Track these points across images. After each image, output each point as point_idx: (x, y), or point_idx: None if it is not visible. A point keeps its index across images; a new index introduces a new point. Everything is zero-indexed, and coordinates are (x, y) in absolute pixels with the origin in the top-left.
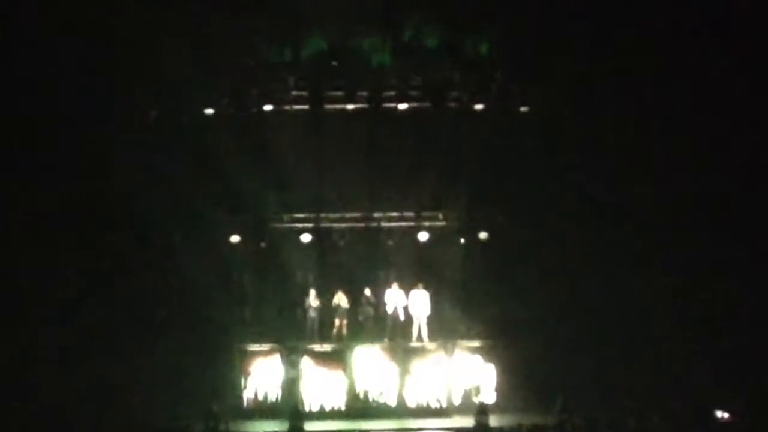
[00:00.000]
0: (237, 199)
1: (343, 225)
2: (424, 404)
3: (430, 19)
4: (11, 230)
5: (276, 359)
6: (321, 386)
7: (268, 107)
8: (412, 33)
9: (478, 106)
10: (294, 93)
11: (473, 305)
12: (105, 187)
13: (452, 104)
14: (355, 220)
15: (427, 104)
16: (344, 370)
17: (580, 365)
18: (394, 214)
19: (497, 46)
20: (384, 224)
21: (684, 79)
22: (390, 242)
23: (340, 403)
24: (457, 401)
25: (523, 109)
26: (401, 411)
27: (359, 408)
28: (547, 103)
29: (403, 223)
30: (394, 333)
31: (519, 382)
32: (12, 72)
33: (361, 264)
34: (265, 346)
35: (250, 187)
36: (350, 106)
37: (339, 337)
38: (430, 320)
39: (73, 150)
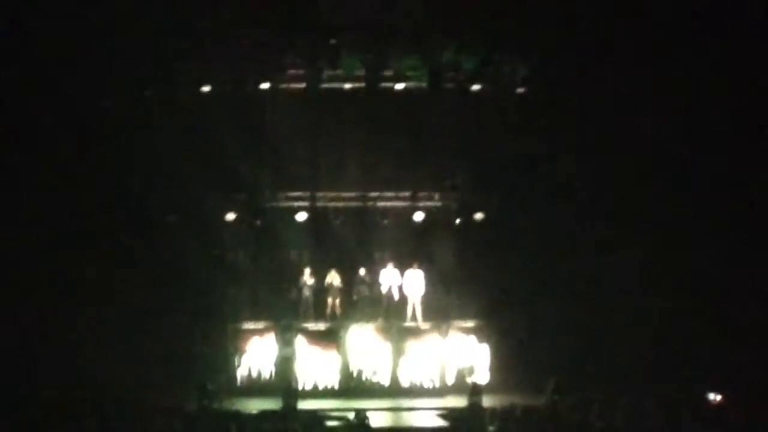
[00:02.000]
0: (233, 177)
1: (339, 204)
2: (418, 384)
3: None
4: (6, 211)
5: (270, 338)
6: (315, 365)
7: (264, 85)
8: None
9: (475, 87)
10: (291, 72)
11: (468, 286)
12: (100, 166)
13: (449, 85)
14: (351, 199)
15: (423, 85)
16: (338, 349)
17: (573, 346)
18: (390, 194)
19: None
20: (380, 204)
21: (685, 64)
22: (385, 222)
23: (333, 381)
24: (450, 381)
25: (520, 90)
26: (395, 390)
27: (353, 387)
28: (544, 84)
29: (399, 203)
30: (389, 313)
31: (512, 362)
32: (7, 51)
33: (356, 243)
34: (260, 325)
35: (246, 165)
36: (347, 86)
37: (333, 317)
38: (425, 300)
39: (69, 129)
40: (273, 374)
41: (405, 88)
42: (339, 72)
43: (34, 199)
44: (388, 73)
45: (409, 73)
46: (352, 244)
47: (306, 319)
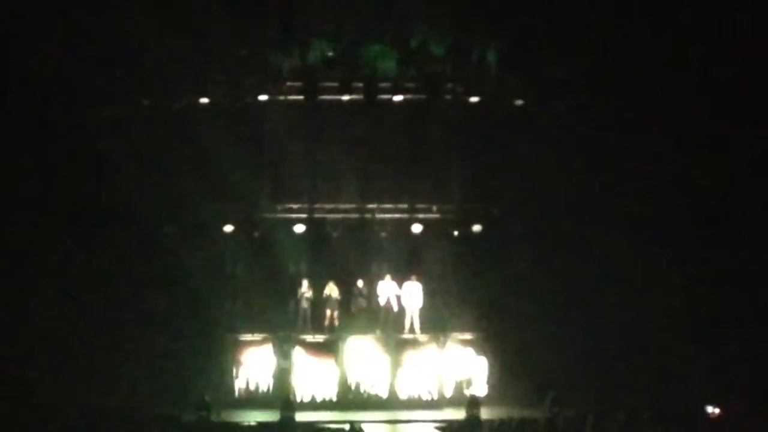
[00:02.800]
0: (231, 189)
1: (337, 216)
2: (416, 396)
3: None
4: (5, 222)
5: (268, 349)
6: (312, 377)
7: (263, 97)
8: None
9: (473, 99)
10: (289, 84)
11: (466, 298)
12: (98, 177)
13: (447, 97)
14: (349, 211)
15: (422, 96)
16: (336, 360)
17: (571, 359)
18: (388, 206)
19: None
20: (378, 216)
21: (681, 76)
22: (383, 234)
23: (331, 393)
24: (448, 393)
25: (517, 102)
26: (393, 402)
27: (350, 399)
28: (541, 96)
29: (397, 215)
30: (387, 325)
31: (510, 375)
32: (6, 61)
33: (354, 255)
34: (258, 336)
35: (243, 177)
36: (345, 98)
37: (331, 328)
38: (423, 312)
39: (67, 139)
40: (271, 386)
41: (403, 100)
42: (336, 83)
43: (32, 210)
44: (385, 85)
45: (407, 85)
46: (350, 255)
47: (304, 330)
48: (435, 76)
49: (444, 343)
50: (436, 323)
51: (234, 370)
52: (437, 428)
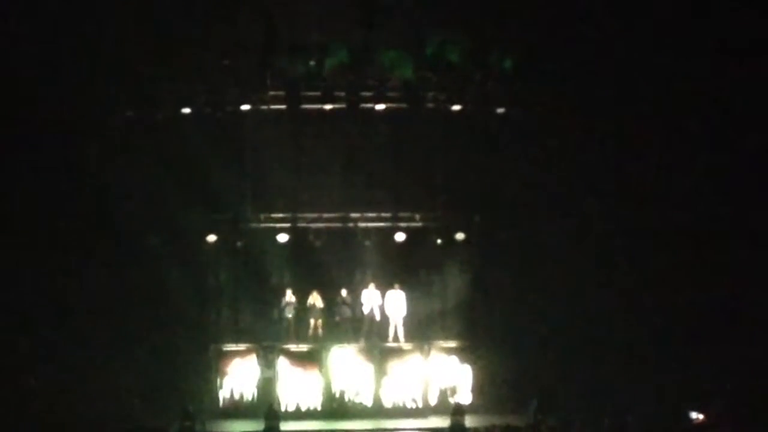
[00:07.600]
0: (213, 198)
1: (320, 225)
2: (400, 404)
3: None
4: None
5: (252, 359)
6: (297, 386)
7: (245, 107)
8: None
9: (456, 107)
10: (271, 93)
11: (449, 306)
12: (80, 188)
13: (429, 105)
14: (332, 220)
15: (404, 105)
16: (320, 370)
17: (555, 366)
18: (371, 214)
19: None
20: (361, 225)
21: (668, 84)
22: (367, 243)
23: (316, 403)
24: (433, 402)
25: (500, 110)
26: (377, 411)
27: (335, 408)
28: (524, 104)
29: (380, 224)
30: (370, 333)
31: (495, 382)
32: None
33: (337, 264)
34: (242, 346)
35: (226, 186)
36: (328, 106)
37: (315, 338)
38: (407, 321)
39: (48, 150)
40: (255, 396)
41: (386, 109)
42: (319, 93)
43: (11, 221)
44: (367, 93)
45: (390, 94)
46: (333, 264)
47: (288, 340)
48: (417, 84)
49: (428, 351)
50: (420, 332)
51: (218, 380)
52: None
